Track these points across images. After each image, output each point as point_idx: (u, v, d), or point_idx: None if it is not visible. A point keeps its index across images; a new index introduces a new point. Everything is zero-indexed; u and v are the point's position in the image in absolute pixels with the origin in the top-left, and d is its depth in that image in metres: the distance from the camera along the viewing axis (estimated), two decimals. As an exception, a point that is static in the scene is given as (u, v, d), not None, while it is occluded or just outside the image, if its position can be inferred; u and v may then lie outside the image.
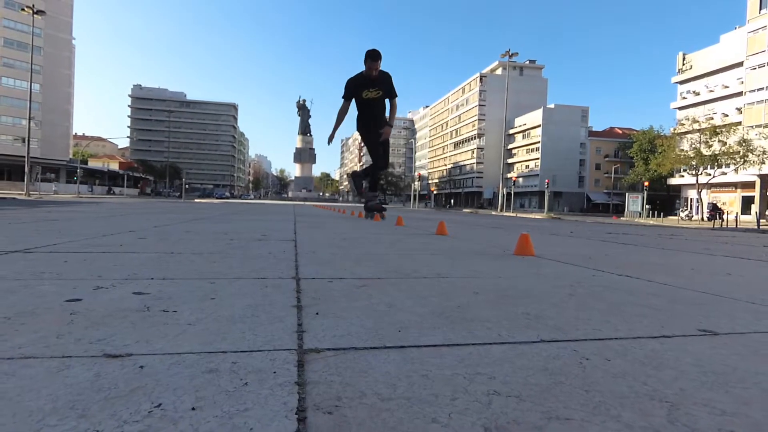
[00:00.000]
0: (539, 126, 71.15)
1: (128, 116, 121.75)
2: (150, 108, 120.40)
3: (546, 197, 31.11)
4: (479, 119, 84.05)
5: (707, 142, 32.01)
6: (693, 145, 33.05)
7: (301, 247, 3.63)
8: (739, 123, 35.87)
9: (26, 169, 30.83)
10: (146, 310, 1.49)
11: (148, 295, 1.71)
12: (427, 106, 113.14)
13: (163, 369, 0.99)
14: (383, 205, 9.08)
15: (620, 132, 75.01)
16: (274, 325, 1.37)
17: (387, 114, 7.52)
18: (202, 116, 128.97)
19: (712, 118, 36.07)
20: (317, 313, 1.53)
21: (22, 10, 34.53)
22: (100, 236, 4.02)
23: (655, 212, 37.65)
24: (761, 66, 36.72)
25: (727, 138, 31.16)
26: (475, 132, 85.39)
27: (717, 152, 31.17)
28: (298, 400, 0.86)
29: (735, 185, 39.18)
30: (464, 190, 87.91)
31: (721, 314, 1.75)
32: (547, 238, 6.06)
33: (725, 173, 32.81)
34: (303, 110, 74.06)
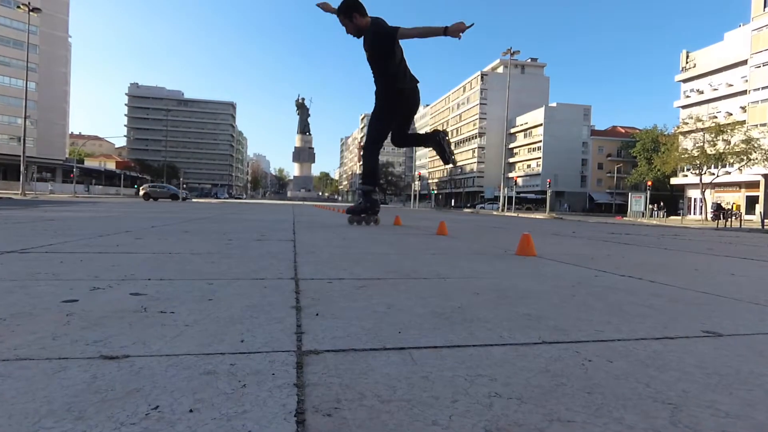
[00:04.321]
0: (541, 125, 70.89)
1: (125, 115, 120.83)
2: (147, 107, 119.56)
3: (548, 197, 31.12)
4: (480, 118, 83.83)
5: (711, 141, 31.85)
6: (697, 144, 32.88)
7: (300, 248, 3.62)
8: (744, 122, 35.70)
9: (22, 169, 30.78)
10: (143, 311, 1.48)
11: (146, 296, 1.70)
12: (427, 105, 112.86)
13: (161, 371, 0.98)
14: (375, 206, 6.55)
15: (623, 131, 74.81)
16: (273, 326, 1.36)
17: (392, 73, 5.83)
18: (200, 115, 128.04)
19: (716, 117, 35.86)
20: (316, 314, 1.52)
21: (18, 7, 34.35)
22: (96, 236, 4.01)
23: (660, 212, 37.47)
24: (766, 64, 36.57)
25: (732, 136, 31.01)
26: (476, 131, 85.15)
27: (721, 151, 30.98)
28: (297, 402, 0.85)
29: (739, 185, 39.02)
30: (465, 189, 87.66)
31: (725, 315, 1.73)
32: (549, 239, 6.04)
33: (729, 173, 32.67)
34: (302, 109, 73.88)
